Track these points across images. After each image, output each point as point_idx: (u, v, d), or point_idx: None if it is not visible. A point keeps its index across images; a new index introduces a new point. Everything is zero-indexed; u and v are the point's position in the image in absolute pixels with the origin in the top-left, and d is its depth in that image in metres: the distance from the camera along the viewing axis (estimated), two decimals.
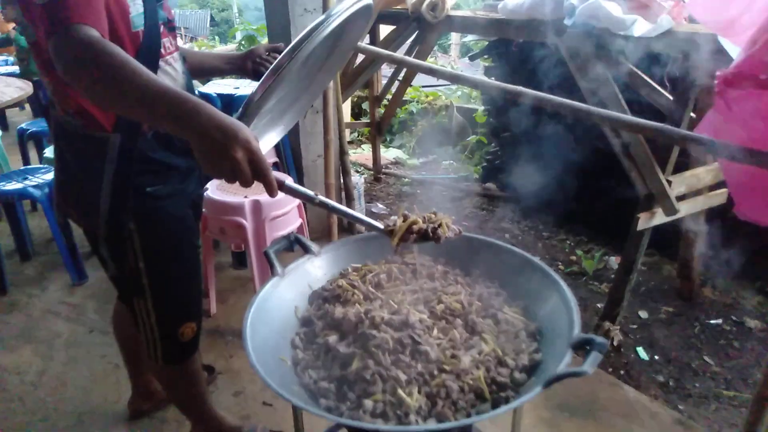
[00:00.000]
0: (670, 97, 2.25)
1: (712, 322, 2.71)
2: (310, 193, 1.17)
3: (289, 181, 1.18)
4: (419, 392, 1.22)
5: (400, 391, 1.20)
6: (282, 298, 1.51)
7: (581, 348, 1.19)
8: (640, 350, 2.49)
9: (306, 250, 1.64)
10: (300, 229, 2.52)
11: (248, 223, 2.16)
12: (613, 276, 3.11)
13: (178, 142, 1.41)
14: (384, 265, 1.67)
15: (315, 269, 1.64)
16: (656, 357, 2.45)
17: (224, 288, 2.81)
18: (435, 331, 1.36)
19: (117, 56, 0.92)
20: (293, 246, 1.64)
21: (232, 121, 0.90)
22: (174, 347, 1.55)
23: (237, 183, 0.97)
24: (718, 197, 2.50)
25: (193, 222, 1.58)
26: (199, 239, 1.59)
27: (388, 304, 1.45)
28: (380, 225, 1.36)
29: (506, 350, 1.33)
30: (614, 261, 3.25)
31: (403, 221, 1.38)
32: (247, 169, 0.92)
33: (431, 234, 1.35)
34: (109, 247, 1.45)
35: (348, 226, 3.50)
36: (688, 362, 2.44)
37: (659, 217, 2.29)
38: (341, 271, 1.67)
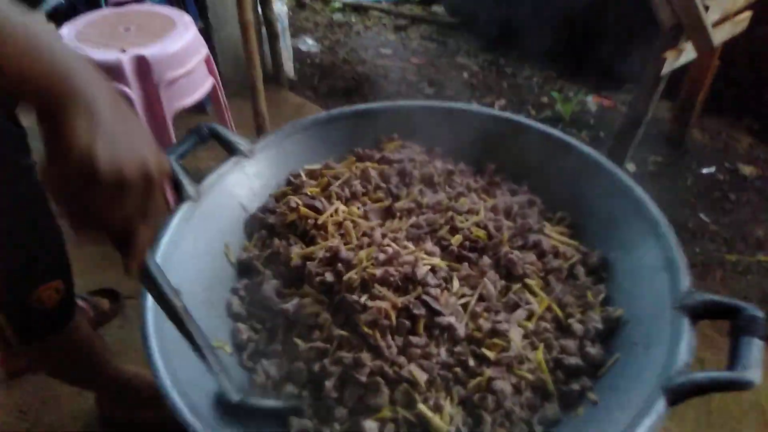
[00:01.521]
0: None
1: (704, 171, 2.41)
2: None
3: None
4: (451, 401, 0.76)
5: (421, 406, 0.74)
6: (201, 234, 0.94)
7: (703, 316, 0.75)
8: None
9: (230, 148, 1.03)
10: (214, 95, 1.81)
11: (132, 92, 1.45)
12: (592, 122, 2.69)
13: None
14: (356, 164, 1.09)
15: (248, 179, 1.05)
16: None
17: None
18: (455, 284, 0.86)
19: None
20: (206, 139, 1.02)
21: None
22: (32, 319, 0.98)
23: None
24: (742, 23, 2.01)
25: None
26: (29, 154, 0.93)
27: (374, 238, 0.92)
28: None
29: (567, 304, 0.87)
30: (593, 102, 2.80)
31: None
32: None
33: None
34: None
35: (274, 73, 2.76)
36: (684, 223, 2.16)
37: (687, 55, 1.79)
38: (290, 177, 1.09)
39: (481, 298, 0.85)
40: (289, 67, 2.84)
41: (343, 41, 3.41)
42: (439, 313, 0.78)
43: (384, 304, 0.79)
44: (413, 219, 0.96)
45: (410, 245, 0.90)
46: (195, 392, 0.73)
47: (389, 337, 0.79)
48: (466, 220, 0.95)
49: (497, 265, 0.90)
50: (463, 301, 0.84)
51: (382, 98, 2.84)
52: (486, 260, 0.90)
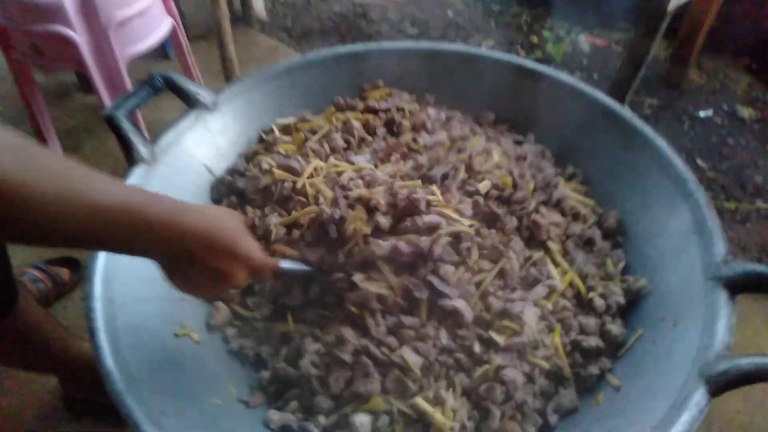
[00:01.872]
0: None
1: (701, 114, 2.29)
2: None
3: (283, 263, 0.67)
4: (454, 392, 0.66)
5: (418, 399, 0.64)
6: None
7: (743, 289, 0.65)
8: None
9: (190, 99, 0.88)
10: (175, 39, 1.62)
11: (78, 36, 1.25)
12: (585, 62, 2.54)
13: None
14: (336, 115, 0.95)
15: (212, 136, 0.90)
16: None
17: (74, 126, 1.92)
18: (474, 255, 0.73)
19: None
20: (160, 90, 0.87)
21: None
22: None
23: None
24: None
25: None
26: None
27: (374, 178, 0.78)
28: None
29: (587, 274, 0.77)
30: (585, 41, 2.64)
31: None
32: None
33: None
34: None
35: (243, 13, 2.54)
36: None
37: None
38: (261, 133, 0.95)
39: (502, 274, 0.73)
40: (259, 6, 2.61)
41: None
42: (443, 295, 0.67)
43: (376, 288, 0.67)
44: (411, 162, 0.83)
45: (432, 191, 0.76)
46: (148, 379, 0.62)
47: (379, 316, 0.68)
48: (487, 162, 0.82)
49: (521, 226, 0.78)
50: (478, 278, 0.72)
51: (362, 40, 2.65)
52: (512, 221, 0.77)
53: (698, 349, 0.61)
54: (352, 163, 0.82)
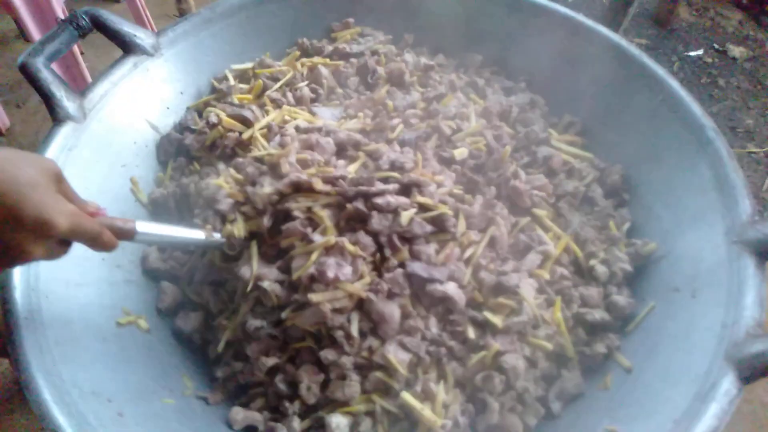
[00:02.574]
0: None
1: (692, 54, 2.19)
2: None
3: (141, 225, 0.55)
4: (446, 384, 0.57)
5: (404, 394, 0.55)
6: (93, 168, 0.69)
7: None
8: None
9: (125, 43, 0.75)
10: None
11: None
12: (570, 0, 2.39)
13: None
14: (301, 61, 0.83)
15: (155, 86, 0.77)
16: None
17: (17, 79, 1.72)
18: (461, 226, 0.63)
19: None
20: (87, 31, 0.73)
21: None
22: None
23: None
24: None
25: None
26: None
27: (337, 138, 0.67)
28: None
29: (586, 239, 0.68)
30: None
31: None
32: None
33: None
34: None
35: None
36: None
37: None
38: (213, 81, 0.82)
39: (491, 243, 0.64)
40: None
41: None
42: (432, 281, 0.57)
43: (332, 300, 0.56)
44: (380, 120, 0.71)
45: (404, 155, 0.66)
46: (83, 383, 0.52)
47: (349, 325, 0.57)
48: (457, 128, 0.72)
49: (499, 188, 0.69)
50: (468, 252, 0.62)
51: None
52: (491, 190, 0.68)
53: (723, 325, 0.53)
54: (313, 114, 0.70)
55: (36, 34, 1.21)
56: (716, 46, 2.21)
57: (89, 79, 1.35)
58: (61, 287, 0.59)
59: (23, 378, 0.50)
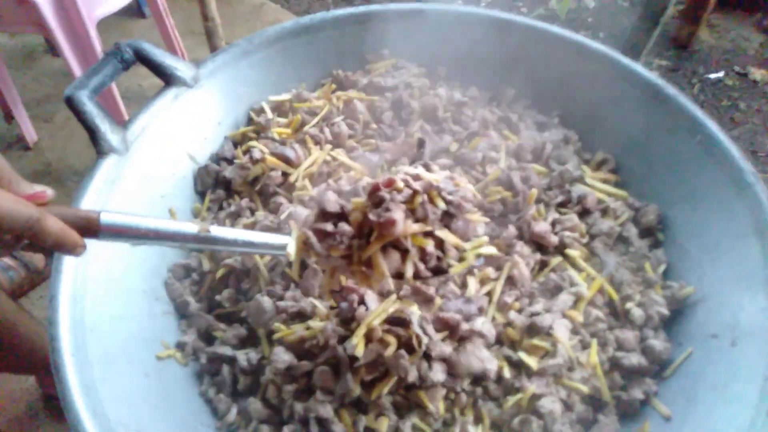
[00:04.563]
0: None
1: (712, 76, 2.18)
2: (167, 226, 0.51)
3: (108, 215, 0.47)
4: (483, 426, 0.57)
5: None
6: (135, 199, 0.70)
7: None
8: None
9: (166, 75, 0.76)
10: None
11: None
12: (590, 20, 2.40)
13: None
14: (337, 94, 0.84)
15: (194, 117, 0.78)
16: None
17: (45, 94, 1.75)
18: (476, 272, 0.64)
19: None
20: (130, 63, 0.74)
21: None
22: None
23: None
24: None
25: None
26: None
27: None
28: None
29: (621, 281, 0.68)
30: None
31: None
32: None
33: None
34: None
35: None
36: None
37: None
38: (251, 112, 0.84)
39: (510, 282, 0.64)
40: None
41: None
42: (470, 317, 0.57)
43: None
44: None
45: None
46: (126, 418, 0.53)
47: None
48: (483, 174, 0.73)
49: (521, 231, 0.69)
50: (487, 288, 0.63)
51: None
52: (512, 230, 0.69)
53: (765, 378, 0.53)
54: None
55: (69, 54, 1.23)
56: (737, 68, 2.21)
57: (119, 99, 1.37)
58: (105, 321, 0.60)
59: (71, 418, 0.51)
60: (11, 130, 1.64)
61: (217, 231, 0.51)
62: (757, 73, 2.19)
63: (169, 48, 1.62)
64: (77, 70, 1.24)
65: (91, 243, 0.55)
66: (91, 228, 0.46)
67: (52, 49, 1.87)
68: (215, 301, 0.68)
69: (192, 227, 0.50)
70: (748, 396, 0.53)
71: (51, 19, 1.16)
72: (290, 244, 0.51)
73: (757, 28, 2.37)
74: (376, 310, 0.56)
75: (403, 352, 0.55)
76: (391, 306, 0.56)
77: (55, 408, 1.13)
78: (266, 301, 0.63)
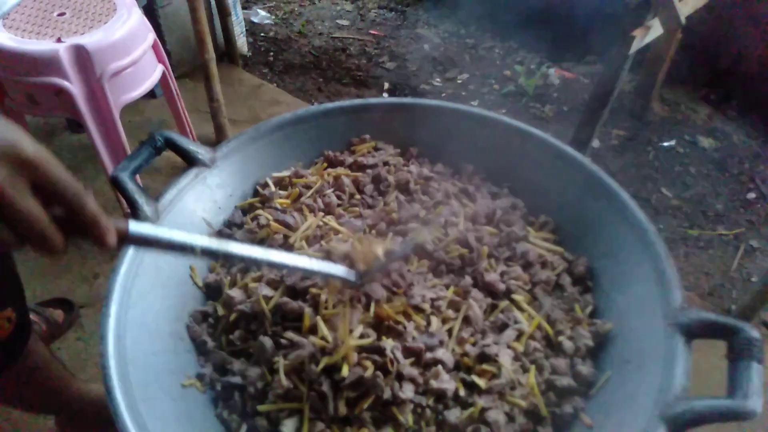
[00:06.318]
0: None
1: (665, 144, 2.43)
2: (183, 238, 0.58)
3: (135, 224, 0.54)
4: None
5: None
6: (164, 259, 0.86)
7: (698, 335, 0.73)
8: None
9: (189, 158, 0.94)
10: (164, 82, 1.67)
11: (73, 87, 1.30)
12: (556, 95, 2.67)
13: None
14: (327, 171, 1.02)
15: (211, 191, 0.96)
16: None
17: (64, 166, 1.94)
18: (443, 307, 0.82)
19: None
20: (162, 150, 0.92)
21: None
22: None
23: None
24: None
25: None
26: None
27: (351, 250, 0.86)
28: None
29: (555, 319, 0.84)
30: (555, 75, 2.76)
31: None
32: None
33: None
34: None
35: (226, 50, 2.60)
36: (647, 198, 2.18)
37: (654, 32, 1.76)
38: (257, 186, 1.02)
39: (467, 321, 0.81)
40: (241, 42, 2.68)
41: (298, 12, 3.25)
42: (433, 347, 0.74)
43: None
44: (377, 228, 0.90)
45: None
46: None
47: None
48: (445, 235, 0.90)
49: (477, 282, 0.86)
50: (448, 326, 0.80)
51: (341, 74, 2.73)
52: (467, 280, 0.86)
53: (659, 390, 0.68)
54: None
55: (96, 135, 1.42)
56: (687, 137, 2.46)
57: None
58: (141, 356, 0.74)
59: (120, 428, 0.65)
60: None
61: (231, 246, 0.61)
62: (705, 141, 2.44)
63: (179, 125, 1.83)
64: (101, 146, 1.43)
65: (130, 293, 0.72)
66: (120, 234, 0.49)
67: (71, 126, 2.07)
68: (228, 340, 0.83)
69: (209, 240, 0.58)
70: (646, 405, 0.68)
71: (83, 107, 1.36)
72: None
73: (704, 102, 2.65)
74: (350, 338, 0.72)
75: (379, 373, 0.71)
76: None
77: None
78: (267, 341, 0.79)
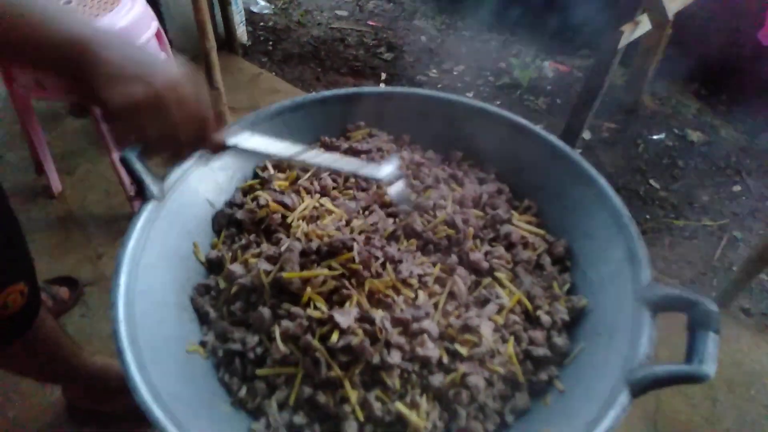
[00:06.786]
0: None
1: (654, 137, 2.49)
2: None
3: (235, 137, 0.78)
4: (428, 397, 0.79)
5: (398, 404, 0.76)
6: (169, 234, 0.92)
7: (663, 309, 0.79)
8: None
9: None
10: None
11: None
12: (549, 88, 2.72)
13: None
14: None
15: (213, 173, 1.02)
16: None
17: (67, 150, 2.00)
18: (430, 282, 0.88)
19: None
20: None
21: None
22: None
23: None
24: None
25: None
26: None
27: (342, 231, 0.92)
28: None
29: (534, 295, 0.91)
30: (549, 67, 2.82)
31: None
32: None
33: None
34: None
35: (226, 39, 2.64)
36: (635, 190, 2.24)
37: (643, 27, 1.81)
38: (257, 169, 1.07)
39: (452, 296, 0.87)
40: (241, 31, 2.72)
41: (297, 1, 3.29)
42: (419, 319, 0.80)
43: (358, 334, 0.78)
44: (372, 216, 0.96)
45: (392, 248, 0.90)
46: (168, 390, 0.73)
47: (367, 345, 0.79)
48: (434, 217, 0.96)
49: (462, 260, 0.92)
50: (434, 300, 0.86)
51: (339, 64, 2.78)
52: (454, 258, 0.92)
53: (625, 358, 0.75)
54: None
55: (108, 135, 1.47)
56: (676, 131, 2.52)
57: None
58: (149, 322, 0.80)
59: (132, 386, 0.71)
60: (39, 180, 1.87)
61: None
62: (693, 135, 2.50)
63: None
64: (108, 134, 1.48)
65: (133, 272, 0.78)
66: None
67: (74, 111, 2.12)
68: (229, 311, 0.89)
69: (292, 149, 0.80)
70: (614, 372, 0.74)
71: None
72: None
73: (694, 96, 2.71)
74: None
75: (368, 340, 0.77)
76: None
77: (79, 419, 1.30)
78: (266, 312, 0.85)
